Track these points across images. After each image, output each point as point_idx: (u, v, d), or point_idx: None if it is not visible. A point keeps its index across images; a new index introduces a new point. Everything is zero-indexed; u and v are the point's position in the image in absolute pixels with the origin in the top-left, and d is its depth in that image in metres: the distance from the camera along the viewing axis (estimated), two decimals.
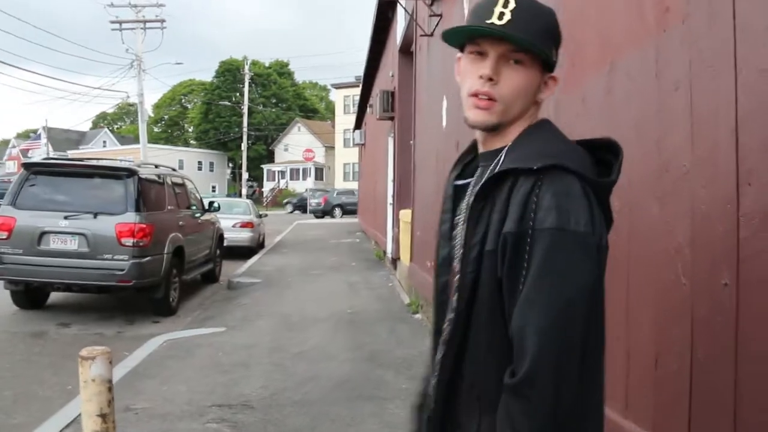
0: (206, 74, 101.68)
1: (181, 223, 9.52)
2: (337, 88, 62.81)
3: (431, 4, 7.46)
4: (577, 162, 1.26)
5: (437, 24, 7.42)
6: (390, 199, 13.70)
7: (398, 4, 9.40)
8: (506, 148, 1.34)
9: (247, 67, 52.96)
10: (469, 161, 1.51)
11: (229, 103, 63.11)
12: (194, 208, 10.83)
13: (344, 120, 56.97)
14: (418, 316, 8.15)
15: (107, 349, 2.82)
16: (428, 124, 8.32)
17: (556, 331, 1.14)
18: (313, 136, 65.32)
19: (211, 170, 67.87)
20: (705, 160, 1.74)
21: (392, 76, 13.45)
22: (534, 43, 1.31)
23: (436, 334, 1.42)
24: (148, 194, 8.48)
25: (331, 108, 76.99)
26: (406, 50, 11.84)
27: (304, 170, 63.34)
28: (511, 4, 1.30)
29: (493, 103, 1.31)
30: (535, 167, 1.22)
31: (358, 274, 12.46)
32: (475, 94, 1.33)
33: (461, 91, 1.38)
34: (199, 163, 65.92)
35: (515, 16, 1.29)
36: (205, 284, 11.59)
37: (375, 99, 15.37)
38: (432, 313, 1.54)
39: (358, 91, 27.53)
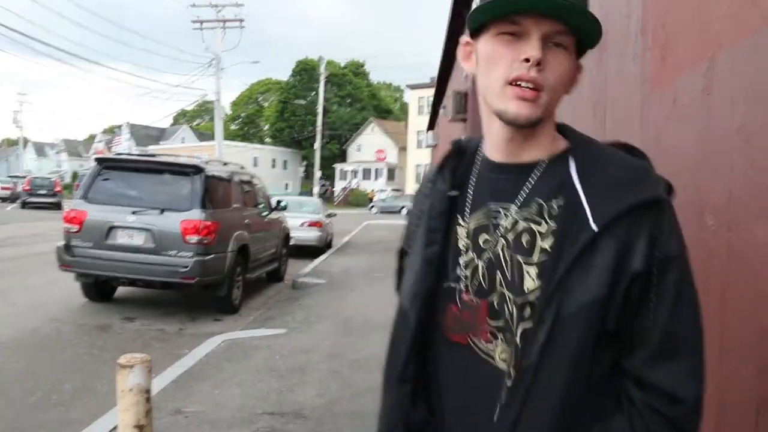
0: (283, 73, 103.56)
1: (247, 221, 9.48)
2: (412, 88, 62.73)
3: None
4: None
5: None
6: None
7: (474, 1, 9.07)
8: (574, 168, 1.14)
9: (322, 67, 53.31)
10: (453, 167, 1.29)
11: (305, 102, 63.93)
12: (262, 206, 10.80)
13: (418, 121, 56.82)
14: None
15: (147, 357, 2.68)
16: None
17: (702, 365, 1.11)
18: (386, 136, 65.51)
19: (285, 168, 68.91)
20: None
21: (466, 76, 13.13)
22: (598, 22, 1.10)
23: (402, 383, 1.29)
24: (215, 192, 8.45)
25: (405, 109, 77.03)
26: None
27: (377, 170, 63.61)
28: None
29: (538, 94, 1.10)
30: (664, 196, 1.10)
31: None
32: (517, 82, 1.09)
33: (486, 80, 1.15)
34: (273, 160, 67.05)
35: None
36: (269, 283, 11.55)
37: (448, 100, 15.08)
38: (390, 353, 1.35)
39: (432, 92, 27.26)
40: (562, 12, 1.07)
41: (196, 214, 7.94)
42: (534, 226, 1.14)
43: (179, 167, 8.46)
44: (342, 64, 73.31)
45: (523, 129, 1.14)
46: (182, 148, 60.01)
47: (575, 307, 1.06)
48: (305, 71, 67.45)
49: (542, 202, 1.14)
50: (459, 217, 1.24)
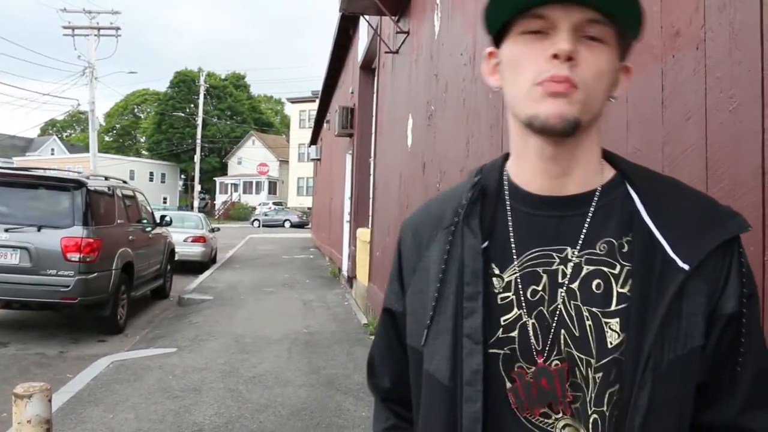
0: (161, 84, 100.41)
1: (131, 237, 9.16)
2: (292, 102, 62.52)
3: (398, 21, 7.34)
4: None
5: (403, 41, 7.30)
6: (347, 217, 13.51)
7: (362, 18, 9.27)
8: (638, 200, 0.96)
9: (202, 79, 52.25)
10: (481, 214, 1.03)
11: (183, 115, 62.24)
12: (145, 221, 10.46)
13: (299, 134, 56.72)
14: None
15: (47, 385, 2.56)
16: (391, 143, 8.18)
17: None
18: (267, 149, 64.88)
19: (163, 181, 66.72)
20: (723, 200, 1.60)
21: (352, 92, 13.31)
22: (634, 3, 0.92)
23: None
24: (97, 207, 8.11)
25: (286, 122, 76.64)
26: (368, 67, 11.72)
27: (258, 183, 62.78)
28: None
29: (573, 89, 0.89)
30: (750, 228, 0.95)
31: (313, 292, 12.20)
32: (548, 80, 0.89)
33: (513, 88, 0.95)
34: (151, 174, 64.78)
35: None
36: (154, 300, 11.19)
37: (333, 115, 15.21)
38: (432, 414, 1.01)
39: (313, 105, 27.31)
40: None
41: (77, 231, 7.58)
42: (606, 269, 0.94)
43: (58, 182, 8.06)
44: (222, 76, 72.05)
45: (563, 139, 0.93)
46: (52, 160, 56.77)
47: (672, 361, 0.89)
48: (184, 83, 65.79)
49: (611, 240, 0.95)
50: (494, 266, 0.99)
